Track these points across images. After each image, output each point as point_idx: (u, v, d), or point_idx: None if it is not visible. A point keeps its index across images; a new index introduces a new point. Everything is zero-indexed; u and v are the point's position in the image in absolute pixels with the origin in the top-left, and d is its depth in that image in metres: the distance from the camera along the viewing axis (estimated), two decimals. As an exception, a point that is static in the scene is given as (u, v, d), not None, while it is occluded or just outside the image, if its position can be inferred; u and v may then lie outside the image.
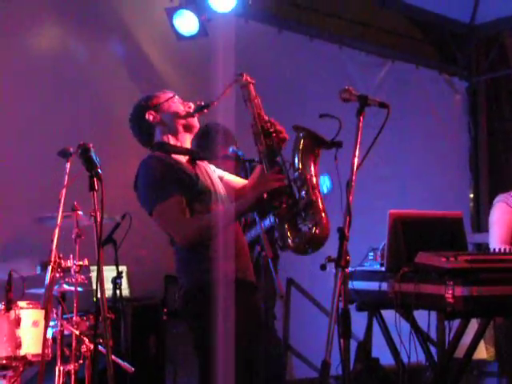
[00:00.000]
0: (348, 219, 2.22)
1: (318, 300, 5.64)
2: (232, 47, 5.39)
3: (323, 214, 2.46)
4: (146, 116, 2.78)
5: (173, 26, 5.16)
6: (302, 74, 5.79)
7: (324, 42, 6.09)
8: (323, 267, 2.17)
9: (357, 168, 2.32)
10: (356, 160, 2.32)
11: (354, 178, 2.30)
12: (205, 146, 3.43)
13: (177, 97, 2.88)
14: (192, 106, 2.82)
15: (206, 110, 2.77)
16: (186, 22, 5.15)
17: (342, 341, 2.12)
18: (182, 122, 2.81)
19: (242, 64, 5.47)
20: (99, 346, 3.07)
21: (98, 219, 2.12)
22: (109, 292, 3.52)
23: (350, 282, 3.29)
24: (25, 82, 4.67)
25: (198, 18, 5.14)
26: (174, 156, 2.76)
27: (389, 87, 6.35)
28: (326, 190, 4.01)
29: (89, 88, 4.94)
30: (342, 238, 2.18)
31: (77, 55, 5.02)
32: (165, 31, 5.24)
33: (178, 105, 2.83)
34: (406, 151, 6.56)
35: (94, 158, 2.21)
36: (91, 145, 2.24)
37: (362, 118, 2.38)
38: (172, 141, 2.80)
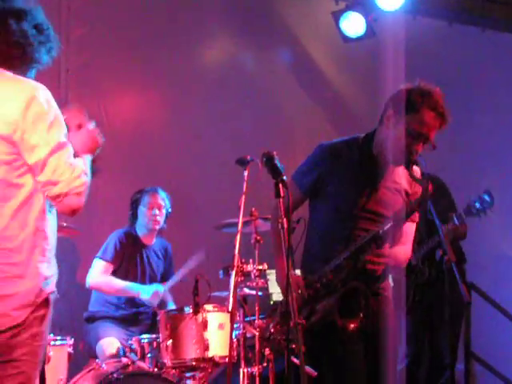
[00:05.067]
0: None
1: (500, 305, 5.32)
2: (402, 45, 5.27)
3: None
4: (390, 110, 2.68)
5: (339, 29, 5.16)
6: (477, 67, 5.51)
7: (497, 32, 5.75)
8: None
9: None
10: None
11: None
12: None
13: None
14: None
15: None
16: (353, 24, 5.12)
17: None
18: (394, 152, 2.68)
19: (412, 62, 5.37)
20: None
21: (285, 226, 2.14)
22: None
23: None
24: (199, 93, 4.89)
25: (365, 19, 5.09)
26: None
27: None
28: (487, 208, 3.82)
29: (259, 97, 5.06)
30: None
31: (246, 65, 5.17)
32: (331, 34, 5.24)
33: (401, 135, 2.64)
34: None
35: (279, 165, 2.24)
36: (275, 152, 2.28)
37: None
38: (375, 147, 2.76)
